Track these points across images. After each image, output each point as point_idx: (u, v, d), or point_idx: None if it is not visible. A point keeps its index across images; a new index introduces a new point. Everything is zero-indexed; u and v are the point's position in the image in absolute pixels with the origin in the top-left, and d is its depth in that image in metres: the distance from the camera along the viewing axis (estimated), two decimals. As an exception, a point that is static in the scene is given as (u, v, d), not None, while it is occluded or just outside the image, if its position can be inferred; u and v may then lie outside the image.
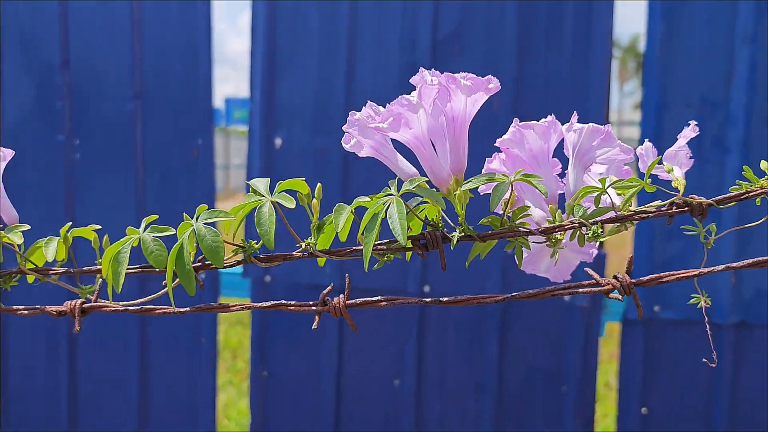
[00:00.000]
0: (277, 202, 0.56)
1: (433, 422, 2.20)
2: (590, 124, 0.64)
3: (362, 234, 0.54)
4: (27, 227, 0.60)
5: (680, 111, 1.99)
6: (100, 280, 0.59)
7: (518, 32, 2.03)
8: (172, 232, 0.57)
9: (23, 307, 0.58)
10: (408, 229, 0.57)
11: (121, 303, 0.58)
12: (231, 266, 0.57)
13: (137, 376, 2.27)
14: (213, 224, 0.54)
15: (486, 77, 0.62)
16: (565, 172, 0.67)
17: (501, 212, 0.60)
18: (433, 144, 0.60)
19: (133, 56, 2.18)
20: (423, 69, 0.61)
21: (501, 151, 0.68)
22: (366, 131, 0.59)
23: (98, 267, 0.60)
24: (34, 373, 2.31)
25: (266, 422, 2.27)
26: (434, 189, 0.60)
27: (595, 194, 0.59)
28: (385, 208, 0.55)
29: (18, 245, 0.58)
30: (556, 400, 2.12)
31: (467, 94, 0.60)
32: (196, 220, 0.55)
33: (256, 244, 0.59)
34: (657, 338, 2.07)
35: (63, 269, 0.61)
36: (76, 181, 2.22)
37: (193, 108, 2.20)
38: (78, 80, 2.22)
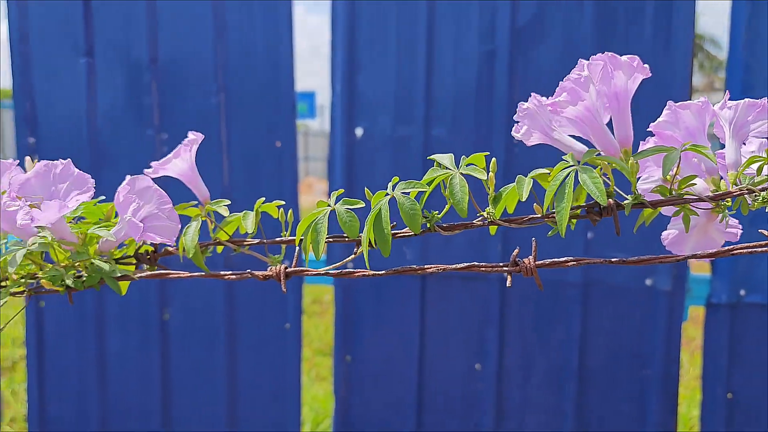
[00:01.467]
0: (467, 174, 0.60)
1: (515, 405, 2.24)
2: (746, 99, 0.67)
3: (552, 201, 0.59)
4: (228, 202, 0.66)
5: (764, 92, 1.98)
6: (297, 248, 0.64)
7: (597, 18, 2.04)
8: (361, 204, 0.62)
9: (231, 272, 0.64)
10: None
11: (320, 269, 0.63)
12: (409, 236, 0.62)
13: (226, 361, 2.36)
14: (407, 194, 0.59)
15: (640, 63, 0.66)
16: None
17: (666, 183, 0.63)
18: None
19: (217, 53, 2.27)
20: (581, 59, 0.65)
21: (653, 135, 0.71)
22: (535, 120, 0.63)
23: (286, 238, 0.66)
24: (127, 359, 2.43)
25: (349, 406, 2.34)
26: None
27: (758, 164, 0.62)
28: (564, 177, 0.59)
29: (222, 217, 0.64)
30: (639, 384, 2.13)
31: (628, 74, 0.63)
32: (393, 189, 0.60)
33: (438, 213, 0.63)
34: (742, 322, 2.06)
35: (256, 240, 0.67)
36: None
37: (275, 101, 2.27)
38: (165, 77, 2.31)
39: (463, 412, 2.28)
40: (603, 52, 2.05)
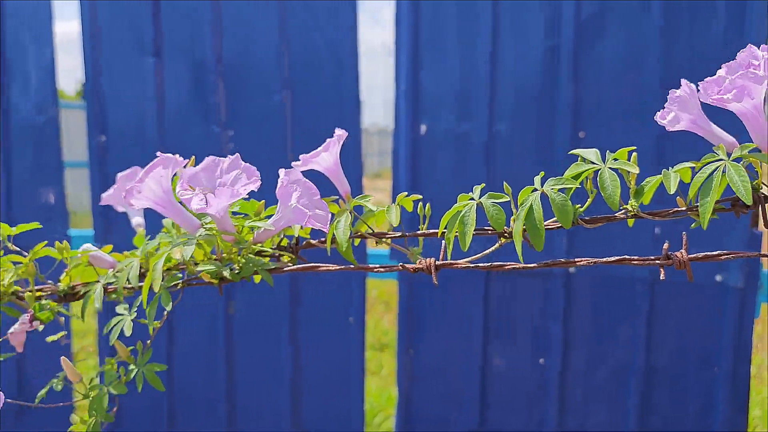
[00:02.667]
0: (615, 168, 0.62)
1: (579, 401, 2.24)
2: None
3: (696, 195, 0.60)
4: (372, 197, 0.69)
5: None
6: (443, 242, 0.66)
7: (664, 10, 2.03)
8: (506, 199, 0.64)
9: (379, 265, 0.66)
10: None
11: (466, 260, 0.66)
12: (555, 228, 0.64)
13: (289, 354, 2.40)
14: (562, 190, 0.61)
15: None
16: None
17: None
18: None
19: (281, 51, 2.31)
20: (750, 45, 0.65)
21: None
22: (684, 107, 0.65)
23: (426, 231, 0.68)
24: (194, 353, 2.49)
25: (412, 400, 2.36)
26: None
27: None
28: (712, 171, 0.60)
29: (370, 210, 0.66)
30: (707, 383, 2.12)
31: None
32: (541, 185, 0.62)
33: (581, 207, 0.65)
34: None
35: (398, 233, 0.70)
36: (232, 170, 2.37)
37: (340, 98, 2.30)
38: (230, 76, 2.36)
39: (525, 406, 2.29)
40: (668, 48, 2.03)
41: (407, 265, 0.66)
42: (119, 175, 0.88)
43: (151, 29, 2.34)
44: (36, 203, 2.43)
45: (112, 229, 2.42)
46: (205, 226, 0.66)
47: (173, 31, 2.36)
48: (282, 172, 0.66)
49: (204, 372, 2.48)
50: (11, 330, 0.77)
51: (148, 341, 0.78)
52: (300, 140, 2.33)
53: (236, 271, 0.68)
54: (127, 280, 0.73)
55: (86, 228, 2.70)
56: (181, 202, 0.68)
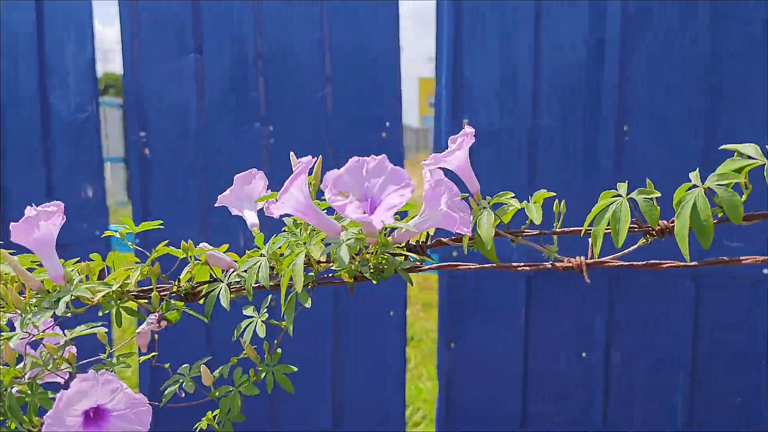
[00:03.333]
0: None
1: (623, 395, 2.24)
2: None
3: None
4: (511, 194, 0.69)
5: None
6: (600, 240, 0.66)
7: (711, 6, 2.03)
8: (657, 194, 0.64)
9: (524, 263, 0.66)
10: None
11: (613, 256, 0.66)
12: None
13: (330, 347, 2.41)
14: (724, 185, 0.61)
15: None
16: None
17: None
18: None
19: (322, 47, 2.30)
20: None
21: None
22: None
23: (572, 229, 0.68)
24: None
25: (453, 393, 2.37)
26: None
27: None
28: None
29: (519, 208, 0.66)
30: (754, 377, 2.12)
31: None
32: (701, 182, 0.62)
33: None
34: None
35: (535, 231, 0.70)
36: (271, 164, 2.37)
37: (380, 93, 2.30)
38: (271, 71, 2.35)
39: (569, 401, 2.29)
40: (715, 43, 2.02)
41: (557, 264, 0.66)
42: (237, 176, 0.88)
43: (190, 24, 2.33)
44: (77, 199, 2.43)
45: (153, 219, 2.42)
46: (347, 229, 0.66)
47: (214, 27, 2.35)
48: (427, 172, 0.66)
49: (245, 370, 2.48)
50: (138, 330, 0.77)
51: (276, 341, 0.78)
52: (339, 137, 2.33)
53: (373, 271, 0.68)
54: (256, 279, 0.73)
55: (114, 224, 2.70)
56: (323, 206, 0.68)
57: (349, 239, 0.63)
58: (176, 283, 0.79)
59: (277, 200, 0.65)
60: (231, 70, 2.37)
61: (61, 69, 2.40)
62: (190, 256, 0.78)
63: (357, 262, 0.68)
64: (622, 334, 2.22)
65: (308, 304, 0.69)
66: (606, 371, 2.24)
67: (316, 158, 0.67)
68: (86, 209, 2.44)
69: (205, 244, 0.82)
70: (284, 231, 0.78)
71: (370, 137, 2.32)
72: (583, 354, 2.26)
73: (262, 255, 0.75)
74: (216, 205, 0.90)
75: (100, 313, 0.77)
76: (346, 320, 2.41)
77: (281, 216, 0.69)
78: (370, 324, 2.40)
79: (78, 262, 0.81)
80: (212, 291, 0.77)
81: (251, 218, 0.87)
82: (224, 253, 0.82)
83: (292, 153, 0.85)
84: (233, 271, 0.79)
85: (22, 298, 0.73)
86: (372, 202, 0.62)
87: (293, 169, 0.69)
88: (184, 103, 2.37)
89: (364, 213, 0.60)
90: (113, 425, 0.68)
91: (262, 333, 0.74)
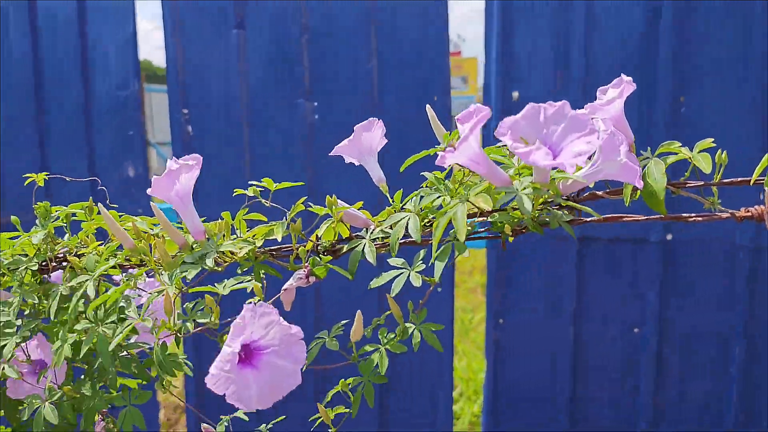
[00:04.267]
0: None
1: (675, 370, 2.23)
2: None
3: None
4: (679, 143, 0.67)
5: None
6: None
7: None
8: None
9: (696, 214, 0.64)
10: None
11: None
12: None
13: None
14: None
15: None
16: None
17: None
18: None
19: (368, 19, 2.27)
20: None
21: None
22: None
23: (740, 179, 0.66)
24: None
25: (501, 370, 2.36)
26: None
27: None
28: None
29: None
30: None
31: None
32: None
33: None
34: None
35: (699, 182, 0.68)
36: (315, 140, 2.35)
37: (429, 65, 2.27)
38: (316, 46, 2.32)
39: (620, 376, 2.29)
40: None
41: (735, 213, 0.64)
42: (357, 126, 0.85)
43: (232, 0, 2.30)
44: (120, 176, 2.41)
45: (198, 197, 2.40)
46: (520, 179, 0.63)
47: (258, 1, 2.32)
48: (602, 122, 0.64)
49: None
50: (285, 286, 0.75)
51: (420, 300, 0.77)
52: (385, 111, 2.30)
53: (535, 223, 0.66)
54: (403, 234, 0.71)
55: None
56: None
57: (525, 188, 0.61)
58: (314, 239, 0.77)
59: (455, 149, 0.63)
60: (274, 46, 2.34)
61: (101, 46, 2.37)
62: (331, 211, 0.76)
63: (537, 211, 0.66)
64: (676, 308, 2.20)
65: (467, 254, 0.67)
66: (659, 346, 2.23)
67: (483, 111, 0.65)
68: (129, 186, 2.42)
69: (342, 202, 0.80)
70: (424, 186, 0.76)
71: (417, 112, 2.29)
72: (635, 329, 2.25)
73: (408, 210, 0.74)
74: (331, 153, 0.87)
75: (240, 271, 0.75)
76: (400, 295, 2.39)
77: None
78: (416, 300, 2.39)
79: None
80: (355, 247, 0.75)
81: (376, 171, 0.85)
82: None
83: (428, 106, 0.82)
84: (375, 228, 0.77)
85: (170, 255, 0.71)
86: (552, 150, 0.60)
87: (460, 124, 0.67)
88: (227, 80, 2.35)
89: (553, 159, 0.58)
90: (268, 362, 0.66)
91: (417, 282, 0.73)
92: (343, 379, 0.79)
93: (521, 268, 2.30)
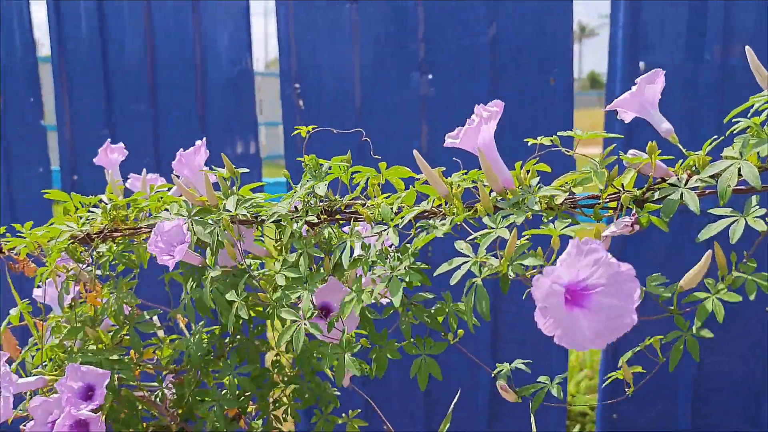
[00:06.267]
0: None
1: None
2: None
3: None
4: None
5: None
6: None
7: None
8: None
9: None
10: None
11: None
12: None
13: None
14: None
15: None
16: None
17: None
18: None
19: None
20: None
21: None
22: None
23: None
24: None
25: (618, 357, 2.28)
26: None
27: None
28: None
29: None
30: None
31: None
32: None
33: None
34: None
35: None
36: (430, 114, 2.28)
37: (550, 36, 2.18)
38: (431, 18, 2.25)
39: (742, 361, 2.19)
40: None
41: None
42: (639, 79, 0.80)
43: (347, -29, 2.25)
44: (232, 152, 2.39)
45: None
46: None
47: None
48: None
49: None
50: (606, 233, 0.70)
51: (746, 252, 0.70)
52: (508, 81, 2.22)
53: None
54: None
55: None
56: None
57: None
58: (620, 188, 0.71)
59: None
60: (388, 17, 2.28)
61: (213, 21, 2.35)
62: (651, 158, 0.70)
63: None
64: None
65: None
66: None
67: None
68: (241, 161, 2.39)
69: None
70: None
71: (539, 82, 2.21)
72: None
73: (729, 157, 0.67)
74: (607, 108, 0.82)
75: (545, 219, 0.69)
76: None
77: None
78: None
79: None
80: (669, 195, 0.70)
81: (662, 124, 0.78)
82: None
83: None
84: (691, 177, 0.71)
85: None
86: None
87: None
88: (339, 54, 2.30)
89: None
90: (596, 303, 0.61)
91: (762, 227, 0.66)
92: (649, 336, 0.73)
93: (640, 246, 2.22)
